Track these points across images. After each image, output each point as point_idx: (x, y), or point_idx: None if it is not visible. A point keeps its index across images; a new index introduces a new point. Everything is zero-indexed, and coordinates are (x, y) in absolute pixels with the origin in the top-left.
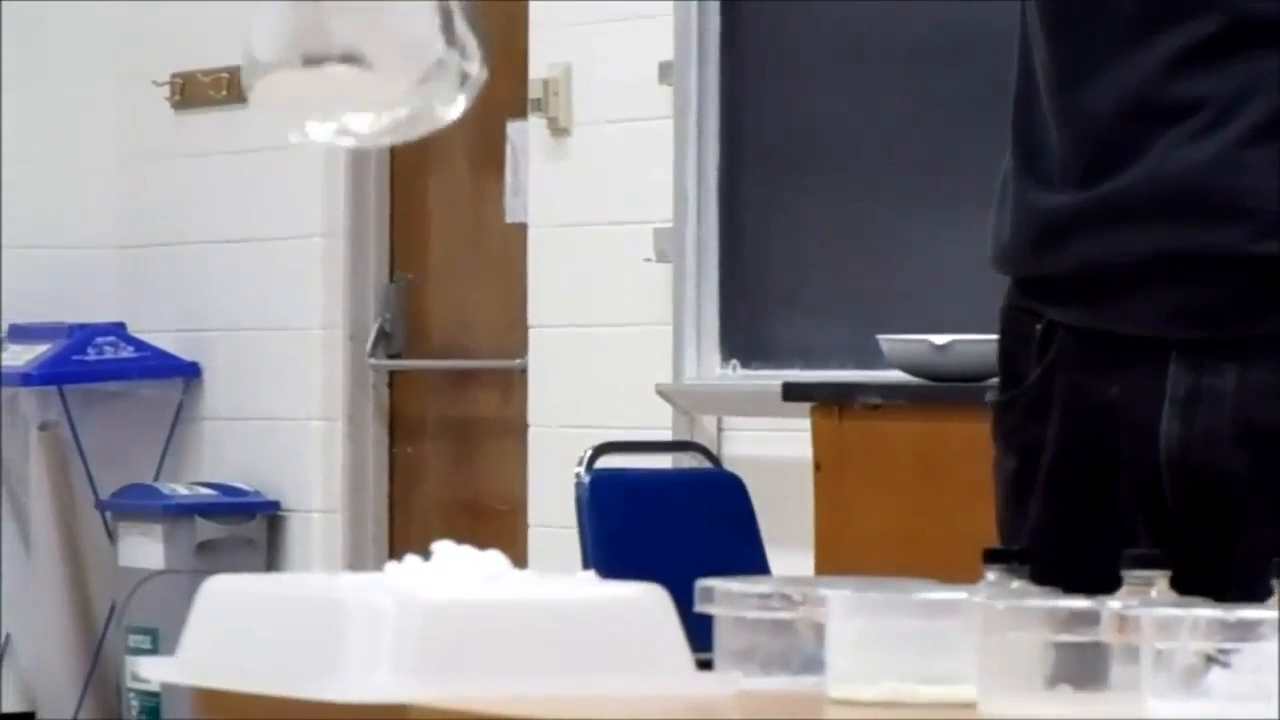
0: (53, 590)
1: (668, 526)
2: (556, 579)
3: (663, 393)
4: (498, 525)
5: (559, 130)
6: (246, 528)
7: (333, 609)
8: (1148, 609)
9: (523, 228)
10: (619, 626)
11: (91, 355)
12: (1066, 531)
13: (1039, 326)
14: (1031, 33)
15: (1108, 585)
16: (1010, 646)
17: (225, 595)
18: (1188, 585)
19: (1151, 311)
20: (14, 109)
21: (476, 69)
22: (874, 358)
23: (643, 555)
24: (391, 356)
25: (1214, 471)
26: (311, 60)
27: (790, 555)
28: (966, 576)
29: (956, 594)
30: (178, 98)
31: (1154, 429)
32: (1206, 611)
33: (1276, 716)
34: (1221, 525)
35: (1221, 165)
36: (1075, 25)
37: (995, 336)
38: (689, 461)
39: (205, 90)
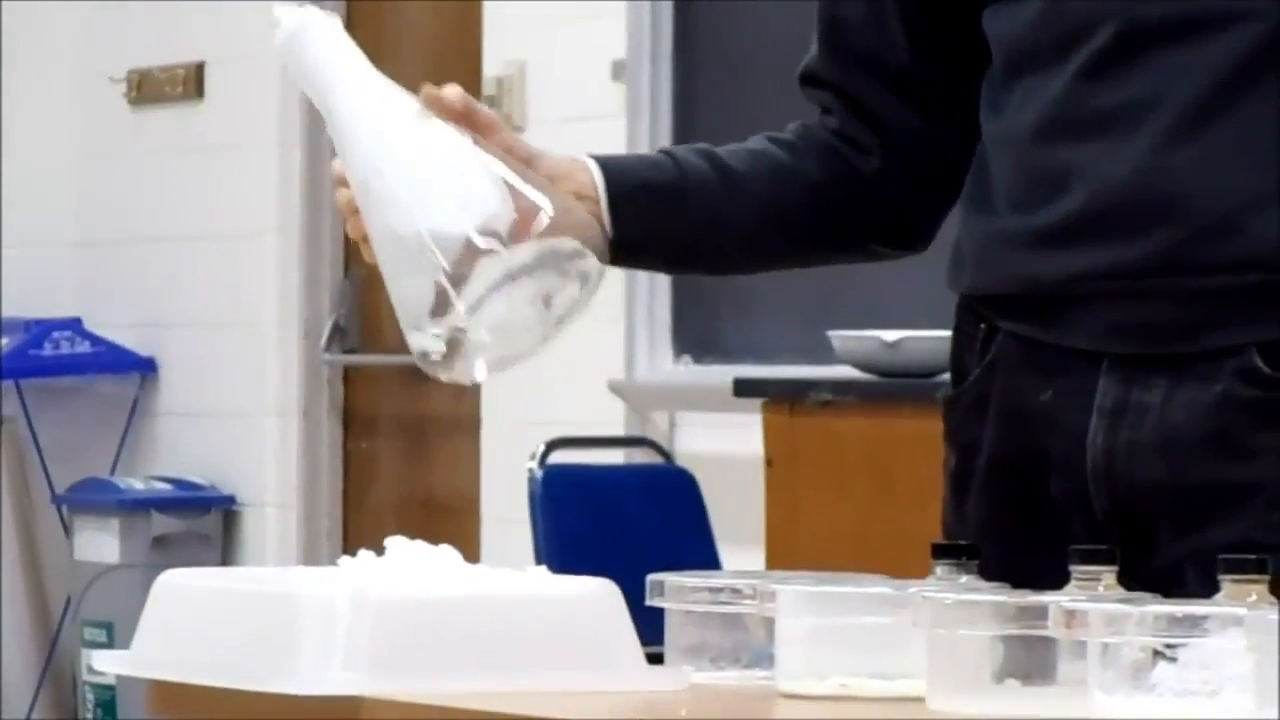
0: (8, 584)
1: (620, 522)
2: (509, 574)
3: (615, 388)
4: (451, 520)
5: (513, 128)
6: (202, 522)
7: (286, 603)
8: (1095, 604)
9: None
10: (570, 621)
11: (48, 350)
12: (1002, 531)
13: (983, 326)
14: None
15: (1043, 584)
16: (958, 641)
17: (180, 589)
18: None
19: (1086, 327)
20: None
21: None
22: (825, 354)
23: (595, 550)
24: (346, 352)
25: (1135, 484)
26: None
27: (741, 550)
28: (916, 572)
29: (905, 589)
30: (134, 94)
31: (1082, 438)
32: (1154, 607)
33: (1221, 714)
34: (1143, 537)
35: (1143, 174)
36: (1004, 51)
37: (946, 333)
38: (641, 457)
39: (161, 87)
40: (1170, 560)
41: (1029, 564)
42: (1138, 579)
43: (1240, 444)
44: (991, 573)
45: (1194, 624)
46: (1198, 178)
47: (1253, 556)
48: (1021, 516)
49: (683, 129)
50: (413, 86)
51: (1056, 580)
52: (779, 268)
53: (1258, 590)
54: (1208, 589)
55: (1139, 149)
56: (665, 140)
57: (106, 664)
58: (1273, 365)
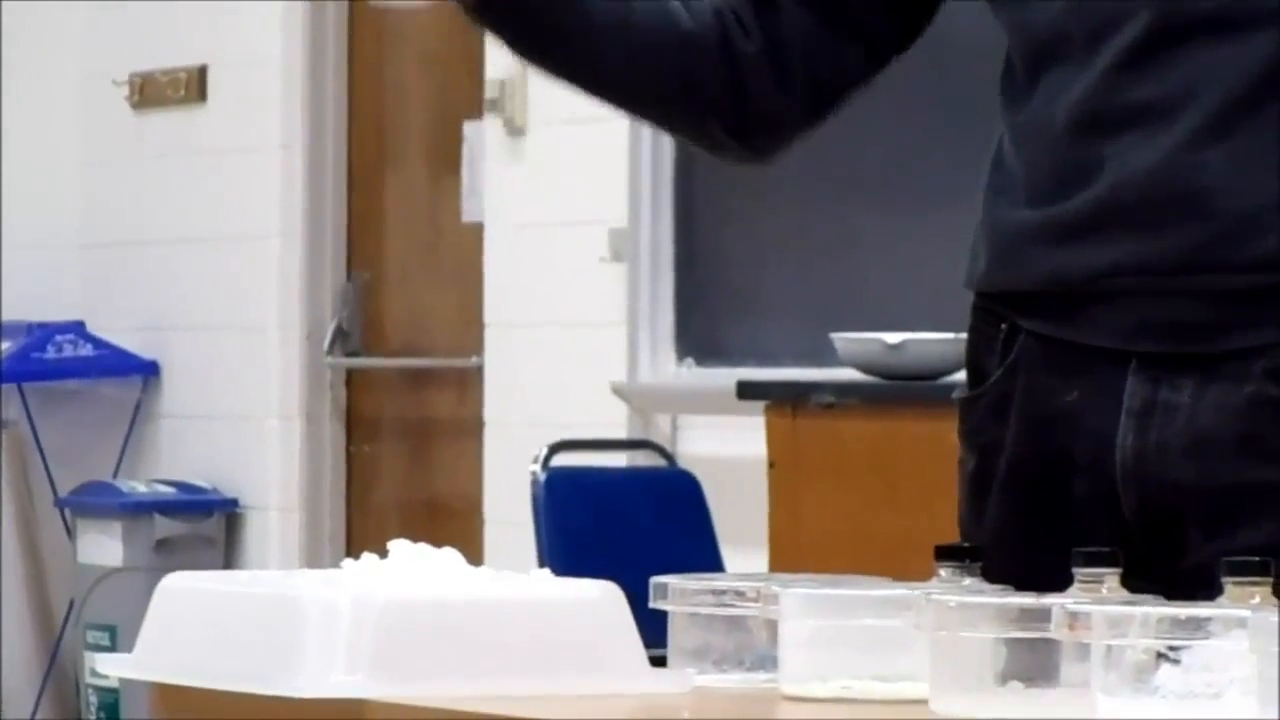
0: (11, 587)
1: (623, 524)
2: (512, 577)
3: (618, 391)
4: (454, 523)
5: (515, 130)
6: (205, 525)
7: (290, 606)
8: (1098, 606)
9: (479, 227)
10: (574, 624)
11: (51, 353)
12: (1022, 533)
13: (1004, 327)
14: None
15: (1061, 586)
16: (961, 643)
17: (183, 592)
18: (1141, 594)
19: (1113, 325)
20: None
21: None
22: (828, 356)
23: (598, 553)
24: (348, 355)
25: (1165, 484)
26: None
27: (744, 553)
28: (920, 574)
29: (909, 591)
30: (137, 98)
31: (1110, 439)
32: (1156, 609)
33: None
34: (1172, 538)
35: (1173, 169)
36: (1028, 43)
37: (949, 335)
38: (644, 460)
39: (164, 90)
40: (1200, 561)
41: (1048, 566)
42: (1166, 580)
43: (1271, 445)
44: (1010, 574)
45: (1197, 626)
46: (1228, 175)
47: (1256, 559)
48: (1042, 518)
49: None
50: (415, 89)
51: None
52: (614, 102)
53: (1261, 592)
54: None
55: (1169, 143)
56: (667, 144)
57: (110, 667)
58: None
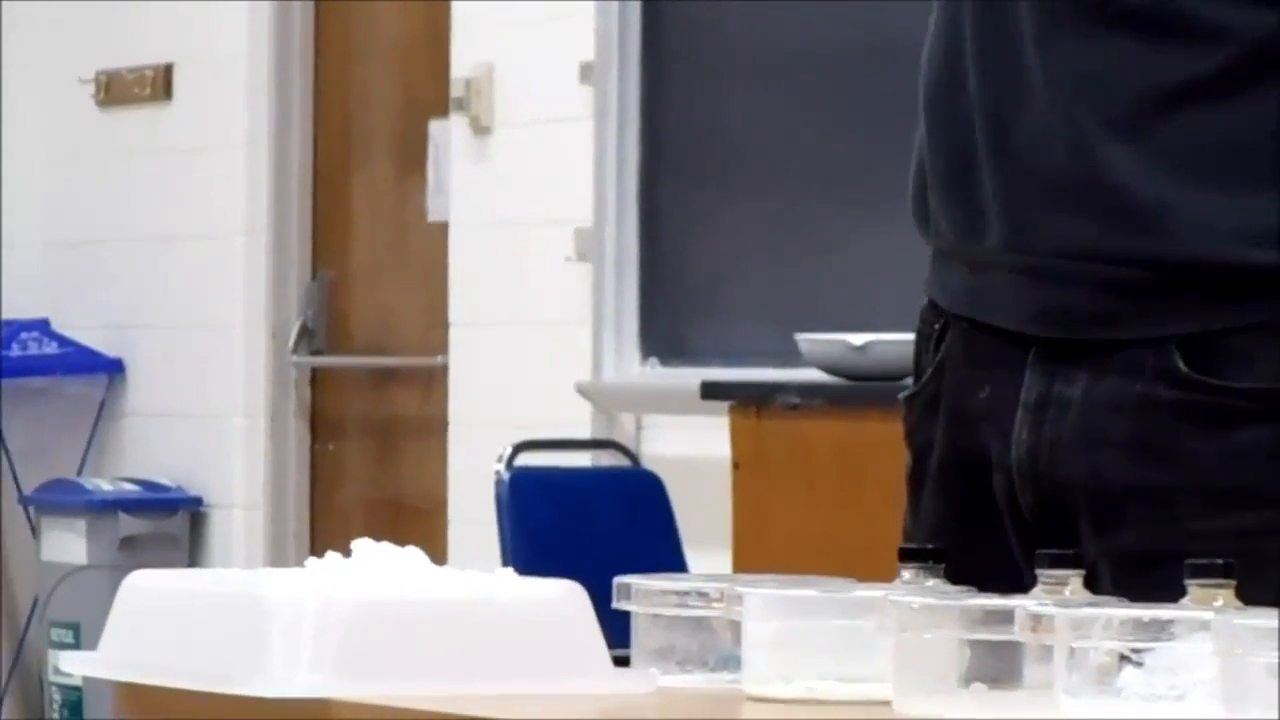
0: None
1: (587, 524)
2: (475, 576)
3: (582, 391)
4: (418, 522)
5: (481, 129)
6: (169, 523)
7: (254, 605)
8: (1061, 608)
9: (444, 226)
10: (537, 623)
11: (15, 351)
12: (951, 532)
13: (937, 326)
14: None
15: (992, 584)
16: (925, 645)
17: (147, 590)
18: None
19: (1011, 307)
20: None
21: None
22: (793, 357)
23: (562, 553)
24: (313, 354)
25: (1058, 481)
26: None
27: (708, 553)
28: (884, 575)
29: (873, 593)
30: (102, 95)
31: (1011, 434)
32: (1120, 611)
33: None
34: (1067, 535)
35: (1075, 157)
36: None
37: (913, 336)
38: (608, 459)
39: (130, 88)
40: (1089, 560)
41: (979, 564)
42: None
43: (1159, 448)
44: (945, 574)
45: (1160, 628)
46: (1133, 171)
47: (1219, 561)
48: (970, 516)
49: (651, 131)
50: (381, 88)
51: (1006, 580)
52: None
53: (1224, 595)
54: (1120, 592)
55: (1073, 129)
56: (633, 144)
57: (73, 665)
58: (1192, 365)
